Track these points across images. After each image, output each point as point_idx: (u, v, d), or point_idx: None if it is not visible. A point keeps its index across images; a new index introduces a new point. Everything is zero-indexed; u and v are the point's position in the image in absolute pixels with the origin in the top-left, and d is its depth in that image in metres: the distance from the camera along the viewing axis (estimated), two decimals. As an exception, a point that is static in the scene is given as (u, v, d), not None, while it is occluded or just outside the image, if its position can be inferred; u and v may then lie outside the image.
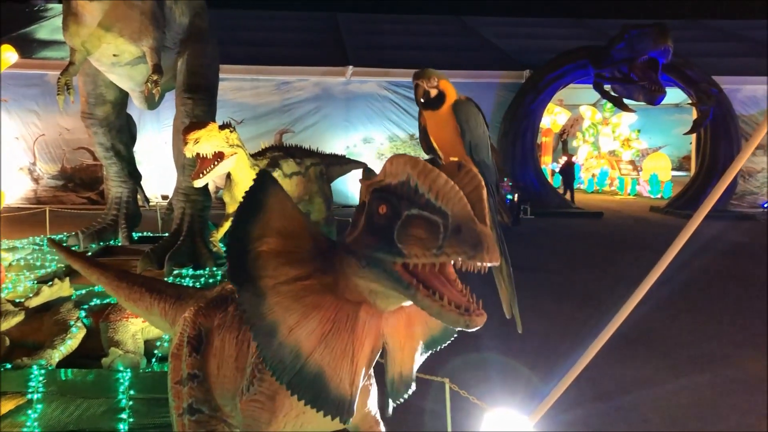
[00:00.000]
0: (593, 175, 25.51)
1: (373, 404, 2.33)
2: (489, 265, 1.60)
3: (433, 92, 3.37)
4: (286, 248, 1.96)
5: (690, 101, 18.42)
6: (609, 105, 22.96)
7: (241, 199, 1.97)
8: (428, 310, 1.68)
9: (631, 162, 25.55)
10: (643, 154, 26.17)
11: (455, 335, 2.26)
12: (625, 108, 17.77)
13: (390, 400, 2.08)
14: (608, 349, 2.87)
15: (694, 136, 18.92)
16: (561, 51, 18.45)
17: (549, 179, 21.49)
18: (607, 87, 17.62)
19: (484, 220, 1.64)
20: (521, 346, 5.76)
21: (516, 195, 15.00)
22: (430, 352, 2.23)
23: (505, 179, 16.20)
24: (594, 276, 9.44)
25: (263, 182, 2.01)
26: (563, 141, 29.57)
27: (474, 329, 1.66)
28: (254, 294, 1.88)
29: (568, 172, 20.84)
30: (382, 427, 2.43)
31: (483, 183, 1.77)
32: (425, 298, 1.67)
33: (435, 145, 3.51)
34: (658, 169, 22.93)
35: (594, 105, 26.23)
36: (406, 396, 2.12)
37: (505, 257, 3.07)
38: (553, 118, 24.27)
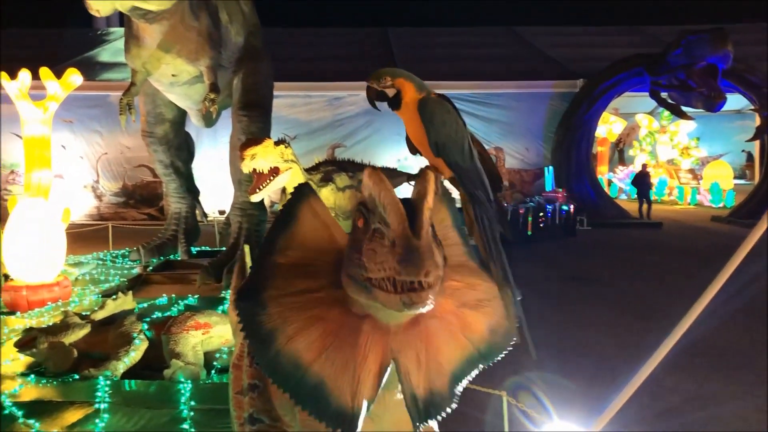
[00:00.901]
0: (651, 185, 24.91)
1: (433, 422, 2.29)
2: (421, 280, 1.57)
3: (390, 92, 3.21)
4: (304, 260, 1.97)
5: (752, 107, 17.83)
6: (666, 113, 22.44)
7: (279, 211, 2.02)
8: (383, 302, 1.66)
9: (691, 171, 24.86)
10: (702, 163, 25.42)
11: (507, 349, 2.20)
12: (683, 116, 17.32)
13: (416, 421, 1.95)
14: (669, 363, 2.79)
15: (757, 143, 18.27)
16: (615, 59, 18.10)
17: (606, 189, 21.04)
18: (663, 95, 17.23)
19: (418, 233, 1.61)
20: (578, 360, 5.65)
21: (572, 206, 14.74)
22: (479, 368, 2.15)
23: (561, 189, 15.97)
24: (653, 287, 9.19)
25: (299, 195, 2.03)
26: (619, 150, 28.99)
27: (413, 310, 1.61)
28: (254, 303, 1.89)
29: (643, 182, 18.73)
30: None
31: (428, 191, 1.73)
32: (376, 291, 1.64)
33: (416, 146, 3.33)
34: (719, 177, 22.23)
35: (650, 113, 25.63)
36: (439, 417, 2.00)
37: (506, 276, 2.78)
38: (608, 127, 23.82)
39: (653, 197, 20.04)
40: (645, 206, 17.92)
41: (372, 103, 3.32)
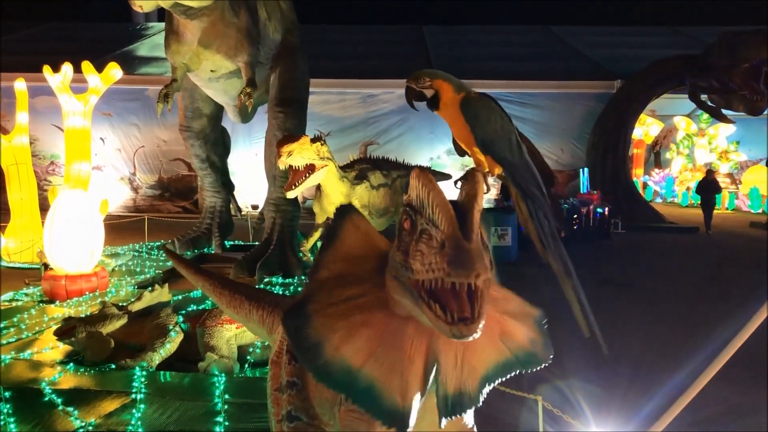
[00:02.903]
0: (688, 189, 24.44)
1: (469, 416, 2.31)
2: (471, 282, 1.57)
3: (429, 92, 3.23)
4: (347, 270, 2.02)
5: (796, 110, 17.37)
6: (705, 116, 21.98)
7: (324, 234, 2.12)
8: (430, 321, 1.67)
9: (729, 175, 24.31)
10: (742, 167, 24.86)
11: (547, 362, 2.21)
12: (723, 119, 16.95)
13: (442, 417, 2.04)
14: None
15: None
16: (654, 60, 17.81)
17: (641, 192, 20.69)
18: (703, 97, 16.89)
19: (468, 235, 1.61)
20: (612, 368, 5.56)
21: (606, 208, 14.53)
22: (513, 373, 2.17)
23: (595, 191, 15.75)
24: (690, 293, 9.02)
25: (341, 214, 2.12)
26: (656, 153, 28.48)
27: (463, 339, 1.62)
28: (297, 317, 1.93)
29: (709, 189, 16.07)
30: None
31: (478, 192, 1.74)
32: (425, 308, 1.65)
33: (462, 146, 3.31)
34: (759, 182, 21.72)
35: (689, 115, 25.12)
36: (463, 414, 2.09)
37: (566, 268, 2.84)
38: (645, 129, 23.43)
39: (672, 198, 18.86)
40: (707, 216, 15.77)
41: (410, 103, 3.35)
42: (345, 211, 2.12)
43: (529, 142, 3.34)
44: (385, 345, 1.91)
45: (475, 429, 2.36)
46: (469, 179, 1.77)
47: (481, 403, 2.10)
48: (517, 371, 2.18)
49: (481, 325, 1.62)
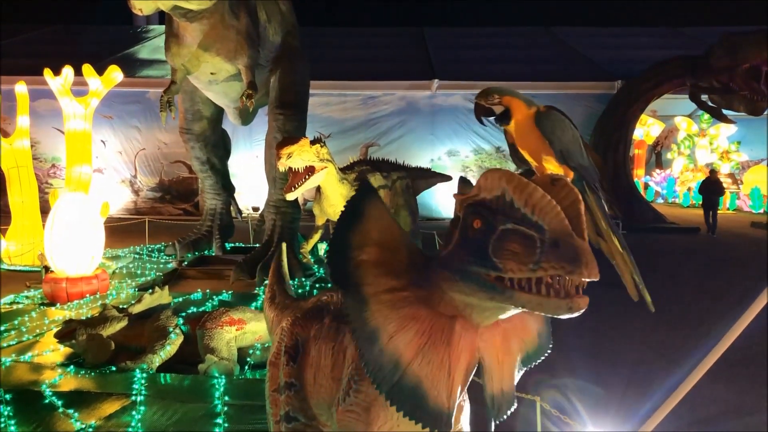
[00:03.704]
0: (689, 189, 24.44)
1: (465, 421, 2.32)
2: (588, 280, 1.57)
3: (498, 109, 3.34)
4: (384, 259, 1.99)
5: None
6: (706, 116, 21.98)
7: (344, 207, 2.01)
8: (529, 305, 1.65)
9: (731, 175, 24.32)
10: (743, 167, 24.85)
11: (548, 351, 2.23)
12: (724, 119, 16.94)
13: (492, 419, 2.04)
14: (708, 372, 2.74)
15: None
16: (654, 60, 17.80)
17: (642, 192, 20.67)
18: (704, 97, 16.87)
19: (582, 235, 1.62)
20: (612, 367, 5.57)
21: (607, 209, 14.49)
22: (525, 369, 2.21)
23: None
24: (690, 294, 9.01)
25: (365, 192, 2.05)
26: (657, 153, 28.48)
27: (578, 312, 1.62)
28: (357, 300, 1.92)
29: (712, 189, 15.87)
30: None
31: (580, 197, 1.73)
32: (524, 294, 1.64)
33: (527, 157, 3.47)
34: (760, 182, 21.74)
35: (690, 116, 25.12)
36: (508, 413, 2.09)
37: (622, 243, 3.07)
38: (646, 129, 23.44)
39: (674, 199, 18.62)
40: (711, 218, 15.59)
41: (479, 119, 3.47)
42: (368, 189, 2.06)
43: (585, 142, 3.52)
44: (433, 340, 1.91)
45: (468, 429, 2.37)
46: (558, 184, 1.74)
47: (516, 404, 2.13)
48: (526, 367, 2.22)
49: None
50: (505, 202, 1.68)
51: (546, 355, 2.23)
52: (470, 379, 1.98)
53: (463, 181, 2.18)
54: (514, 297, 1.66)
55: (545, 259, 1.59)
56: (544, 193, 1.64)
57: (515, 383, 2.15)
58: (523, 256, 1.62)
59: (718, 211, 16.18)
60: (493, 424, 2.00)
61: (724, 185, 22.71)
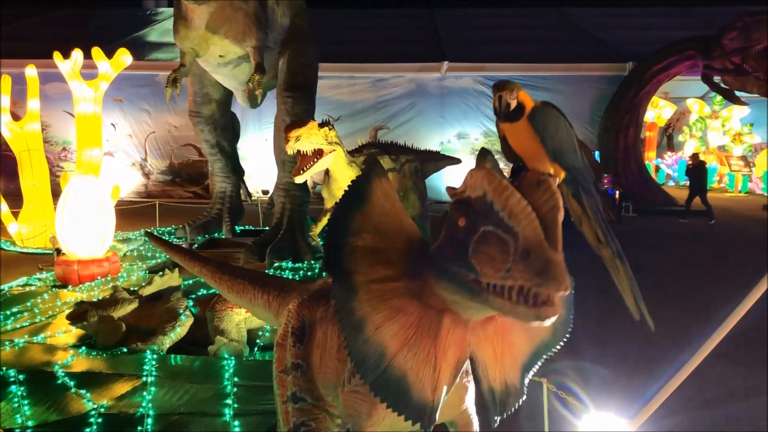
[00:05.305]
0: (701, 172, 24.26)
1: (470, 402, 2.33)
2: (557, 294, 1.53)
3: (513, 104, 3.29)
4: (380, 246, 1.97)
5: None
6: (719, 98, 21.76)
7: (347, 187, 1.98)
8: (501, 309, 1.64)
9: (743, 158, 24.07)
10: (755, 149, 24.60)
11: (565, 338, 2.21)
12: (736, 101, 16.78)
13: (493, 414, 2.01)
14: (715, 354, 2.74)
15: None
16: (667, 41, 17.60)
17: (653, 175, 20.53)
18: (716, 79, 16.70)
19: (556, 246, 1.58)
20: (621, 350, 5.57)
21: (618, 192, 14.43)
22: (543, 357, 2.19)
23: (606, 174, 15.65)
24: (701, 277, 8.98)
25: (370, 173, 2.01)
26: (668, 136, 28.23)
27: (546, 322, 1.57)
28: (346, 288, 1.90)
29: (696, 173, 15.53)
30: (476, 426, 2.42)
31: (561, 204, 1.68)
32: (496, 298, 1.61)
33: (518, 153, 3.40)
34: (773, 165, 21.55)
35: (702, 98, 24.85)
36: (516, 407, 2.08)
37: (620, 256, 3.00)
38: (657, 111, 23.21)
39: (685, 182, 18.45)
40: (696, 199, 15.15)
41: (497, 113, 3.43)
42: (374, 170, 2.02)
43: (580, 141, 3.45)
44: (420, 334, 1.89)
45: (474, 415, 2.38)
46: (542, 188, 1.69)
47: (525, 396, 2.10)
48: (546, 355, 2.19)
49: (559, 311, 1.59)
50: (486, 203, 1.65)
51: (563, 342, 2.21)
52: (461, 374, 1.96)
53: (482, 154, 2.14)
54: (489, 300, 1.64)
55: (516, 269, 1.57)
56: (521, 197, 1.61)
57: (529, 374, 2.12)
58: (498, 261, 1.60)
59: (728, 193, 15.97)
60: (497, 418, 1.98)
61: (736, 167, 22.56)
